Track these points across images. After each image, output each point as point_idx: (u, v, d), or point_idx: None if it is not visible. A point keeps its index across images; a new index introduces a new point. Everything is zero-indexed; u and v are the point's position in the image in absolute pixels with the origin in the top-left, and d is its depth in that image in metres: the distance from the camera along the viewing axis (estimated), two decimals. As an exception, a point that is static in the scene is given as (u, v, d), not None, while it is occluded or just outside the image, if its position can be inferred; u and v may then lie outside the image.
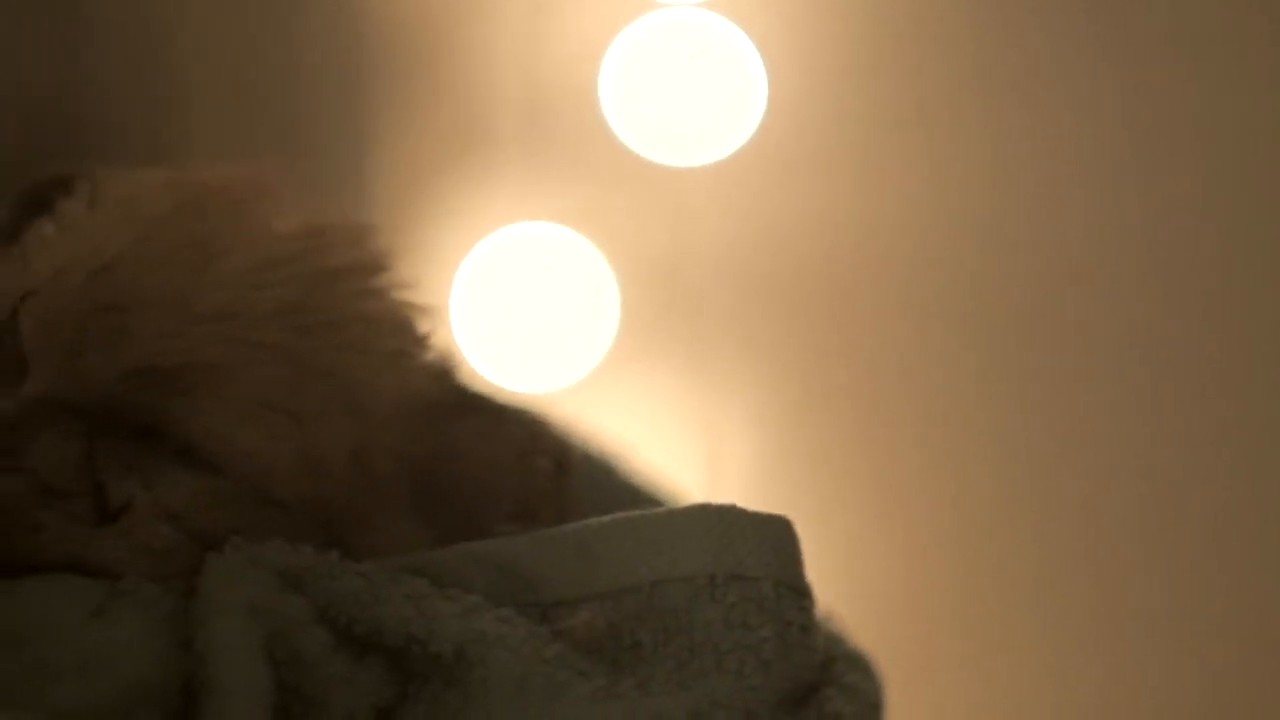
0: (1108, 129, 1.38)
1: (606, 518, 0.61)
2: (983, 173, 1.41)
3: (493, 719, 0.59)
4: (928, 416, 1.41)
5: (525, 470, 0.65)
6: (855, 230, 1.44)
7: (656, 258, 1.43)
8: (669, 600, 0.60)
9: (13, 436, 0.61)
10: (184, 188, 0.66)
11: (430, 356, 0.67)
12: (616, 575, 0.60)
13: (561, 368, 1.40)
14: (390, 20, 1.47)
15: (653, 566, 0.60)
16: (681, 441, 1.41)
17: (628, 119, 1.43)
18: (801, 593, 0.60)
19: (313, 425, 0.63)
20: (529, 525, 0.63)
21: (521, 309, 1.39)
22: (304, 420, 0.63)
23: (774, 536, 0.61)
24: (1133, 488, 1.36)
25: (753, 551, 0.60)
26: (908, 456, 1.41)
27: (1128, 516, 1.35)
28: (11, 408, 0.61)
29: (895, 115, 1.43)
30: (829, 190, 1.44)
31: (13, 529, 0.60)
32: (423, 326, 0.67)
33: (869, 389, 1.42)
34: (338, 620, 0.60)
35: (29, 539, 0.60)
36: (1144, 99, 1.39)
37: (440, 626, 0.59)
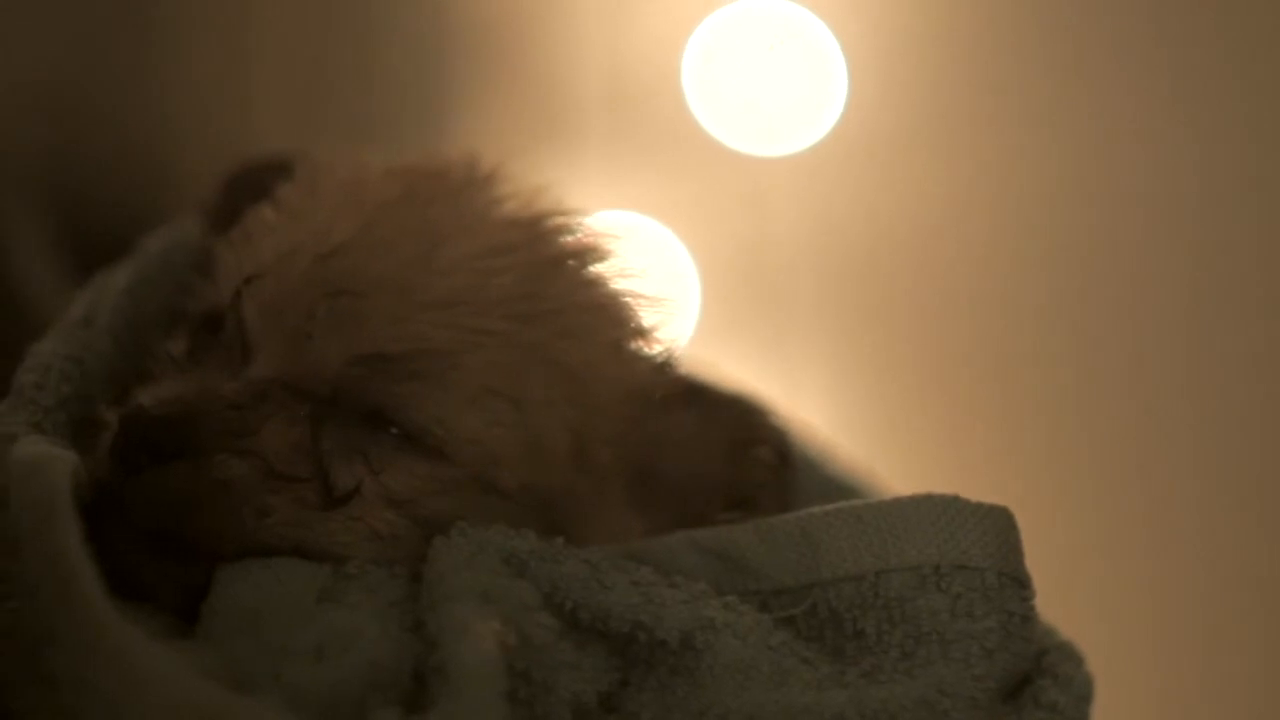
0: (1193, 123, 1.39)
1: (830, 507, 0.62)
2: (1061, 163, 1.42)
3: (720, 705, 0.59)
4: (1005, 400, 1.41)
5: (745, 460, 0.65)
6: (934, 220, 1.44)
7: (738, 247, 1.43)
8: (893, 589, 0.60)
9: (240, 420, 0.61)
10: (406, 174, 0.66)
11: (651, 346, 0.67)
12: (840, 564, 0.61)
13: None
14: (473, 10, 1.47)
15: (878, 555, 0.61)
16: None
17: (711, 109, 1.43)
18: (1023, 583, 0.61)
19: (535, 412, 0.63)
20: (749, 514, 0.63)
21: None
22: (527, 407, 0.63)
23: (996, 527, 0.61)
24: (1197, 461, 1.36)
25: (976, 542, 0.61)
26: (985, 441, 1.42)
27: (1198, 491, 1.36)
28: (238, 391, 0.61)
29: (974, 105, 1.43)
30: (908, 181, 1.44)
31: (241, 512, 0.60)
32: (645, 316, 0.67)
33: (947, 376, 1.43)
34: (563, 606, 0.60)
35: (257, 522, 0.61)
36: (1223, 91, 1.40)
37: (667, 614, 0.60)
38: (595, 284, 0.66)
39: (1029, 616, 0.61)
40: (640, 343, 0.67)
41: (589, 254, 0.66)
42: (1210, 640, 1.33)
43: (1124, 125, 1.41)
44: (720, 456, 0.65)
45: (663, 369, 0.67)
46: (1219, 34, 1.39)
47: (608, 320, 0.66)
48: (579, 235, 0.66)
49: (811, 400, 1.43)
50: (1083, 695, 0.62)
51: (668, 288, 1.38)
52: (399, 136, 1.42)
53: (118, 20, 1.36)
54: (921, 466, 1.43)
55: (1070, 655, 0.62)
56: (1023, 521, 1.35)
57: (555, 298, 0.64)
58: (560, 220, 0.67)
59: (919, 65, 1.43)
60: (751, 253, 1.43)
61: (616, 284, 0.67)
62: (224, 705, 0.54)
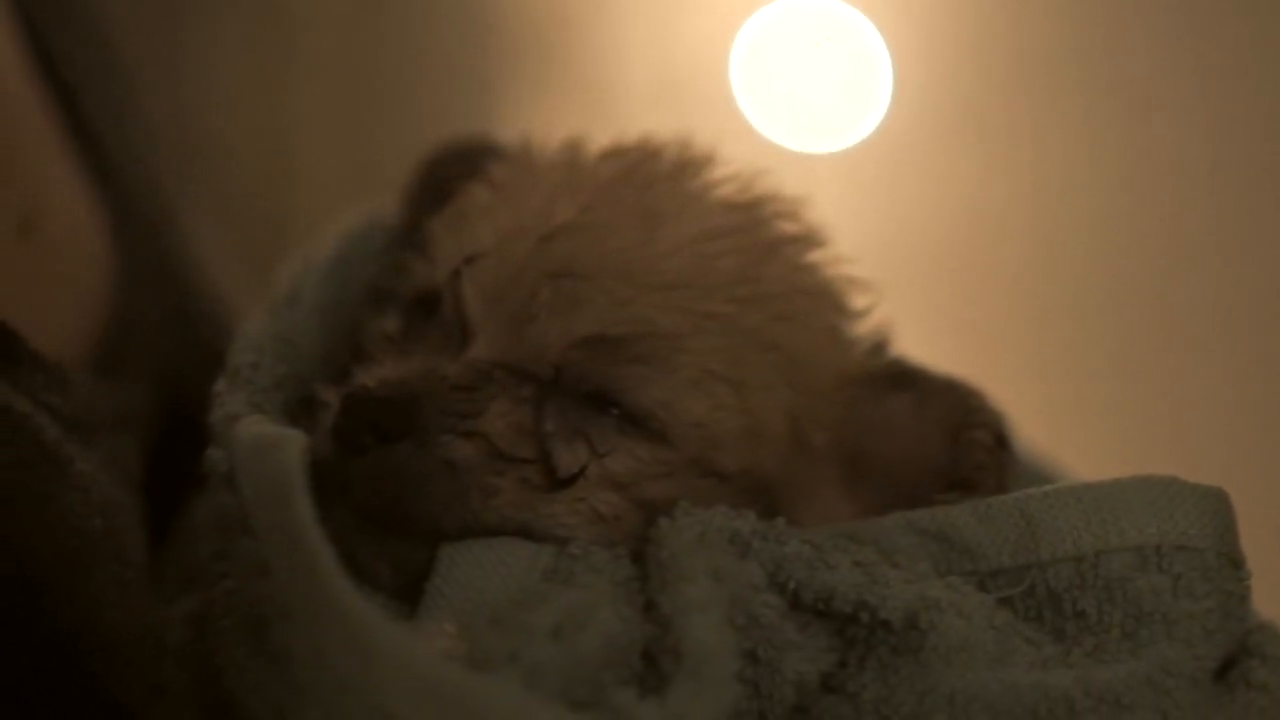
0: (1238, 113, 1.41)
1: (1048, 488, 0.62)
2: (1104, 158, 1.43)
3: (945, 685, 0.59)
4: (1056, 402, 1.42)
5: (962, 442, 0.65)
6: (978, 217, 1.45)
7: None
8: (1114, 570, 0.61)
9: (465, 402, 0.61)
10: (622, 155, 0.66)
11: (865, 330, 0.67)
12: (1059, 544, 0.61)
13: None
14: (520, 6, 1.47)
15: (1098, 536, 0.61)
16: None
17: (758, 105, 1.43)
18: (1239, 564, 0.61)
19: (755, 396, 0.63)
20: (966, 496, 0.63)
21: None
22: (747, 391, 0.63)
23: (1214, 508, 0.61)
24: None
25: (1195, 523, 0.61)
26: (1039, 435, 1.42)
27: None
28: (461, 372, 0.61)
29: (1018, 101, 1.45)
30: (953, 178, 1.45)
31: (467, 493, 0.60)
32: (858, 300, 0.67)
33: (994, 370, 1.43)
34: (786, 586, 0.60)
35: (483, 504, 0.61)
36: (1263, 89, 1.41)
37: (891, 593, 0.60)
38: (812, 269, 0.67)
39: (1245, 597, 0.61)
40: (855, 327, 0.67)
41: (806, 239, 0.67)
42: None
43: (1166, 119, 1.43)
44: (938, 439, 0.66)
45: (877, 353, 0.67)
46: (1261, 37, 1.41)
47: (824, 305, 0.66)
48: (796, 220, 0.67)
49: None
50: (1288, 674, 0.62)
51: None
52: (447, 131, 1.42)
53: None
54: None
55: (1274, 635, 0.63)
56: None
57: (774, 281, 0.65)
58: (777, 204, 0.67)
59: (964, 62, 1.44)
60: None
61: (831, 269, 0.67)
62: (466, 685, 0.53)
